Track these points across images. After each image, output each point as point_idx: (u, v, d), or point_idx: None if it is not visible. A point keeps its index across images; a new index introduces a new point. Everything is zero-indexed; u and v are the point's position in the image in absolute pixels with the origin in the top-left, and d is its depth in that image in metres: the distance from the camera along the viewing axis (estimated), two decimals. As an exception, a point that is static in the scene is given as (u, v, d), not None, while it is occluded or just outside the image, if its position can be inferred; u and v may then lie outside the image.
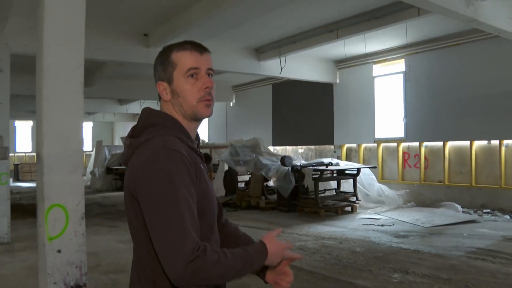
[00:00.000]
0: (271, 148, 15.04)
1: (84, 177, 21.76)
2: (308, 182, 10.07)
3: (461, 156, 9.98)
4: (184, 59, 1.48)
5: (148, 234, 1.35)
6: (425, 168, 10.67)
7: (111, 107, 20.66)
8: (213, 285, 1.32)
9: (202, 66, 1.50)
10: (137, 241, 1.47)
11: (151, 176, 1.33)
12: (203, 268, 1.26)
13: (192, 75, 1.48)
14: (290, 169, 10.09)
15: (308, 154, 14.12)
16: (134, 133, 1.52)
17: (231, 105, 17.51)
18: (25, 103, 18.90)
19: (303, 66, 11.71)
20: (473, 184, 9.68)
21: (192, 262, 1.24)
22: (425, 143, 10.69)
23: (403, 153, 11.12)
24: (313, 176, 9.85)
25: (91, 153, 20.98)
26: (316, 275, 5.24)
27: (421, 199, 10.40)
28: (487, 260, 5.62)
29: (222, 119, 18.10)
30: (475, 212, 9.18)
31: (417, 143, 10.79)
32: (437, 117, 10.34)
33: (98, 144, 19.15)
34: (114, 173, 17.42)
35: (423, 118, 10.62)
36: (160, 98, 1.55)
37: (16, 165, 24.47)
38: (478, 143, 9.70)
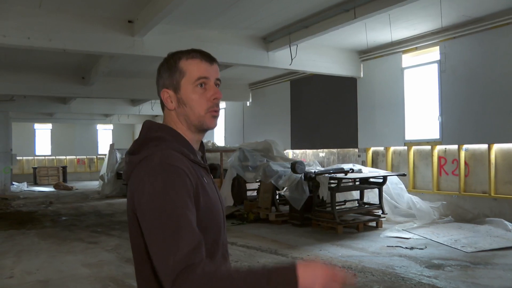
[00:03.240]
0: (290, 152, 13.58)
1: (96, 182, 21.27)
2: (323, 192, 8.59)
3: (511, 162, 8.22)
4: (194, 67, 1.44)
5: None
6: (466, 175, 8.91)
7: (124, 108, 19.67)
8: None
9: (211, 76, 1.46)
10: (139, 260, 1.40)
11: (147, 193, 1.28)
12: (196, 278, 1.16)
13: (201, 85, 1.44)
14: (303, 176, 8.64)
15: (330, 158, 12.54)
16: (134, 149, 1.43)
17: (248, 104, 16.07)
18: (41, 105, 18.26)
19: (319, 57, 10.11)
20: (526, 196, 7.91)
21: (185, 269, 1.16)
22: (465, 146, 8.93)
23: (439, 157, 9.43)
24: (330, 185, 8.37)
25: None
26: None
27: (460, 213, 8.70)
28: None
29: (239, 120, 16.67)
30: (530, 231, 7.44)
31: (455, 146, 9.05)
32: (479, 114, 8.58)
33: (110, 147, 18.50)
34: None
35: (463, 115, 8.88)
36: (163, 107, 1.50)
37: (34, 169, 23.96)
38: (532, 146, 7.92)
